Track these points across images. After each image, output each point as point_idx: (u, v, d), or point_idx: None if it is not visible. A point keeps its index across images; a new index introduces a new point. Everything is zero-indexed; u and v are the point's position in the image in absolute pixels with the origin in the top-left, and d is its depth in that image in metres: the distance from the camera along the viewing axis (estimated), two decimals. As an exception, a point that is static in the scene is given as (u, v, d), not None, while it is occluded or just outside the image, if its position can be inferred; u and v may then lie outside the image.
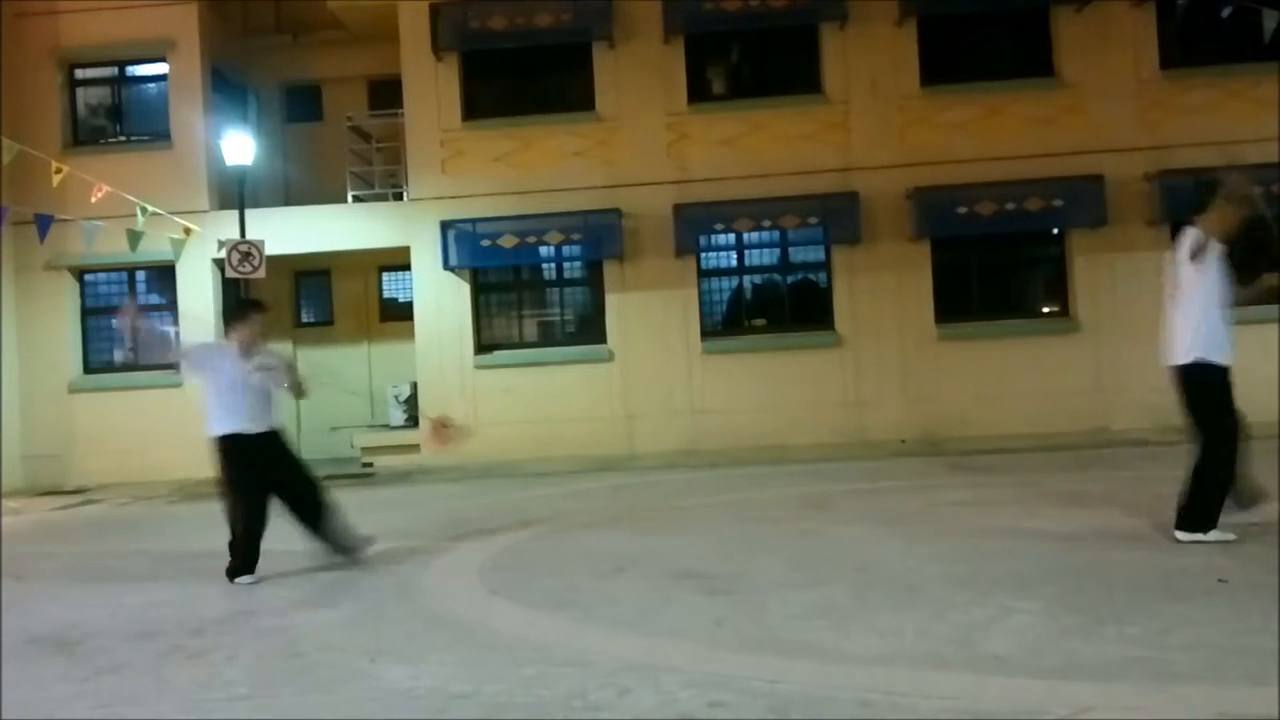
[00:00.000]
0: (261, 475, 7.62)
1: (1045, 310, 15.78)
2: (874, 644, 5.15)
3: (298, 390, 8.01)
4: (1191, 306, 6.86)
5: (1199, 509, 6.96)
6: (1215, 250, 6.93)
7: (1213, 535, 6.94)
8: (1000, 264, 15.91)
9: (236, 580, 7.49)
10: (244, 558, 7.55)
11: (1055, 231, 15.52)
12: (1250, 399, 7.20)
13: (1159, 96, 15.22)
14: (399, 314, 17.35)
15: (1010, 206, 14.94)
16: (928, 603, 5.89)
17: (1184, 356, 6.90)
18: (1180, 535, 7.01)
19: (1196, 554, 6.72)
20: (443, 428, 9.01)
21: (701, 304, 15.94)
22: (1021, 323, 15.53)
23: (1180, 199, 14.69)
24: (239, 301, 8.49)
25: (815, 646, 5.14)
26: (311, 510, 7.80)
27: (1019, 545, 7.39)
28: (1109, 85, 15.20)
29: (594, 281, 16.21)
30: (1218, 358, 6.87)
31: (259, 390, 7.67)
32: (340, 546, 7.88)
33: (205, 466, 15.62)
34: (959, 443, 14.28)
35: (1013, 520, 8.43)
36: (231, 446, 7.56)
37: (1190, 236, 6.93)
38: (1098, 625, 5.26)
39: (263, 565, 7.58)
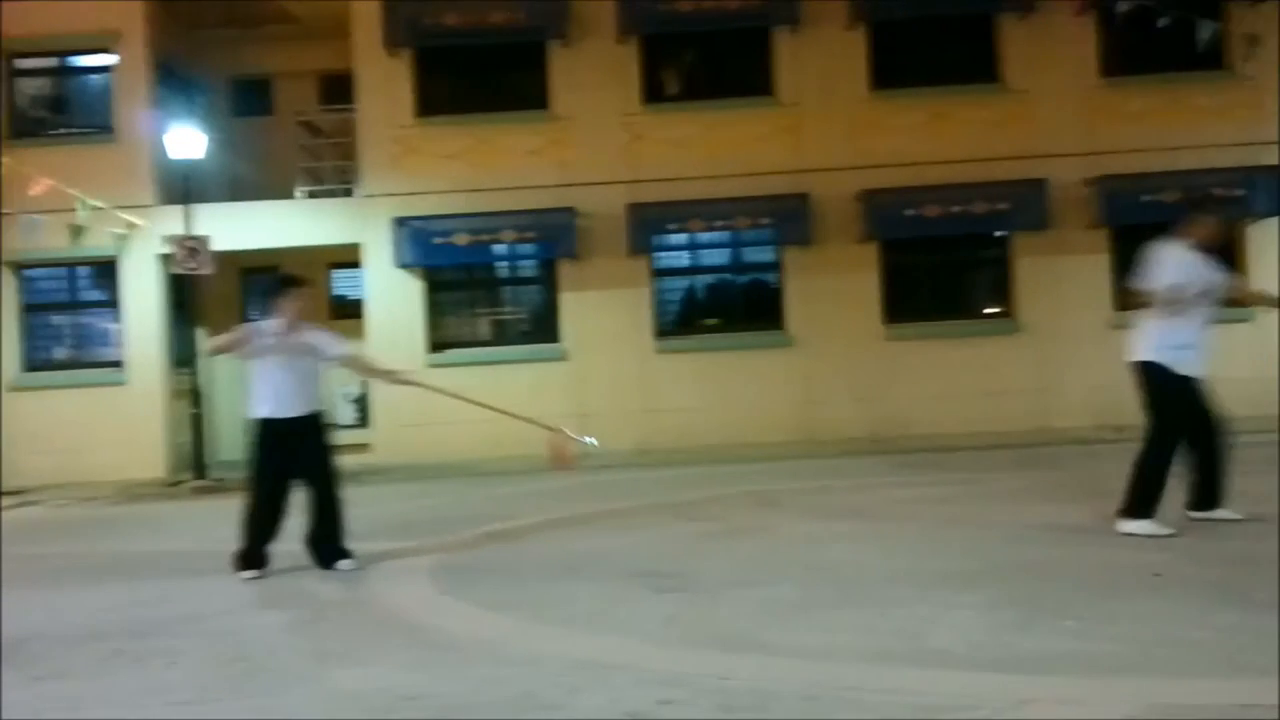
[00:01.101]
0: (288, 462, 7.43)
1: (989, 311, 16.00)
2: (821, 640, 5.22)
3: (390, 378, 7.92)
4: (1152, 309, 7.21)
5: (1134, 497, 7.23)
6: (1193, 259, 7.19)
7: (1147, 528, 7.12)
8: (947, 266, 16.12)
9: (240, 575, 7.33)
10: (249, 550, 7.40)
11: (1000, 234, 15.74)
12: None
13: (1100, 103, 15.48)
14: (350, 312, 17.23)
15: (956, 209, 15.15)
16: (874, 599, 5.98)
17: (1139, 354, 7.28)
18: (1119, 525, 7.23)
19: (1134, 549, 6.87)
20: (566, 445, 8.72)
21: (655, 304, 16.00)
22: (967, 323, 15.76)
23: (1120, 204, 15.00)
24: (279, 277, 8.20)
25: (764, 643, 5.20)
26: (317, 508, 7.58)
27: (963, 541, 7.52)
28: (1052, 92, 15.45)
29: (548, 280, 16.22)
30: (1168, 360, 7.14)
31: (302, 371, 7.47)
32: (320, 552, 7.63)
33: (150, 467, 15.57)
34: (906, 441, 14.44)
35: (957, 517, 8.56)
36: (263, 430, 7.39)
37: (1169, 247, 7.23)
38: (1037, 619, 5.36)
39: (211, 565, 7.51)
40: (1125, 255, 15.39)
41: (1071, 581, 6.13)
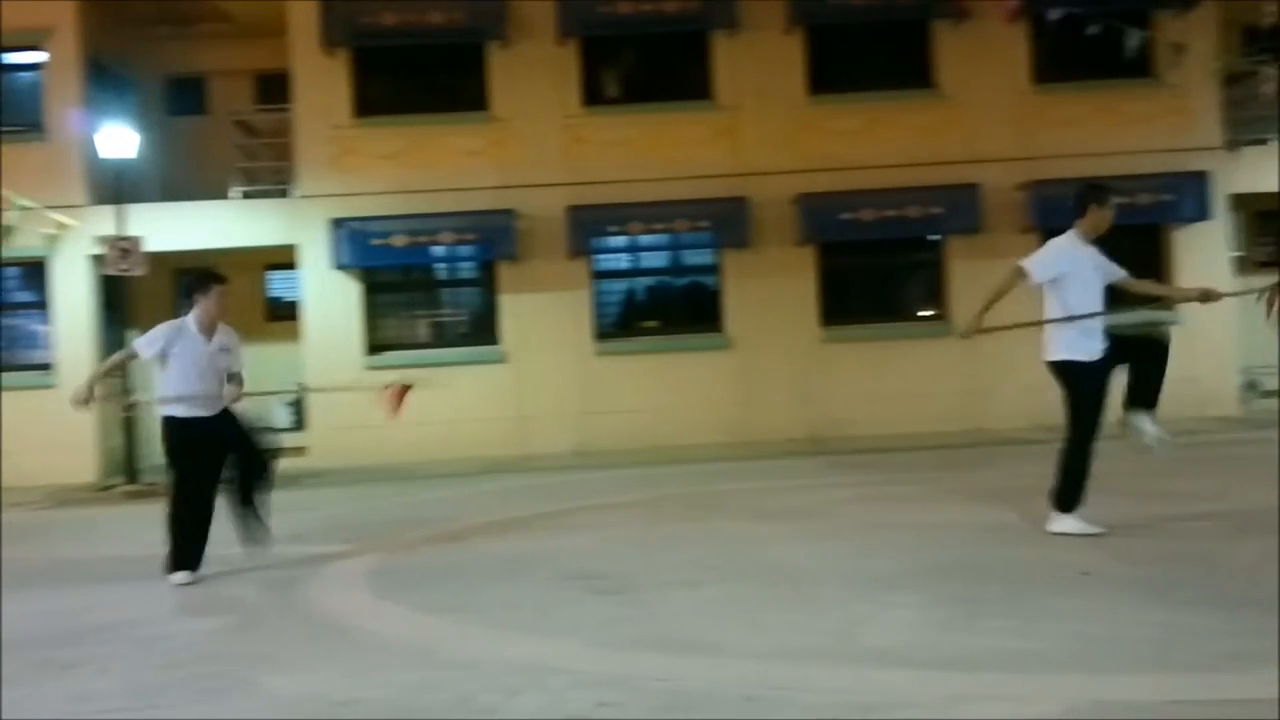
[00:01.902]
0: (214, 462, 7.27)
1: (924, 314, 16.20)
2: (760, 640, 5.25)
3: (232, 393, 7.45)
4: (1057, 307, 7.40)
5: (1060, 492, 7.40)
6: (1083, 250, 7.38)
7: (1078, 527, 7.25)
8: (882, 269, 16.31)
9: (172, 578, 7.16)
10: (182, 551, 7.22)
11: (934, 238, 15.94)
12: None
13: (1032, 109, 15.74)
14: (286, 314, 17.04)
15: (892, 213, 15.32)
16: (811, 598, 6.04)
17: (1053, 354, 7.45)
18: (1049, 525, 7.37)
19: (1065, 547, 7.00)
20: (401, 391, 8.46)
21: (594, 306, 15.99)
22: (902, 326, 15.95)
23: (1051, 208, 15.24)
24: (198, 273, 7.87)
25: (703, 644, 5.23)
26: (249, 480, 7.43)
27: (899, 541, 7.61)
28: (985, 97, 15.67)
29: (487, 282, 16.16)
30: (1081, 355, 7.33)
31: (217, 372, 7.31)
32: (248, 529, 7.51)
33: (80, 471, 15.29)
34: (843, 442, 14.57)
35: (894, 517, 8.66)
36: (184, 433, 7.18)
37: (1061, 239, 7.48)
38: (971, 617, 5.44)
39: (144, 571, 7.39)
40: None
41: (1004, 580, 6.23)
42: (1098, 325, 7.41)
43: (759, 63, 15.70)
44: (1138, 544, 7.08)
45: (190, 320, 7.34)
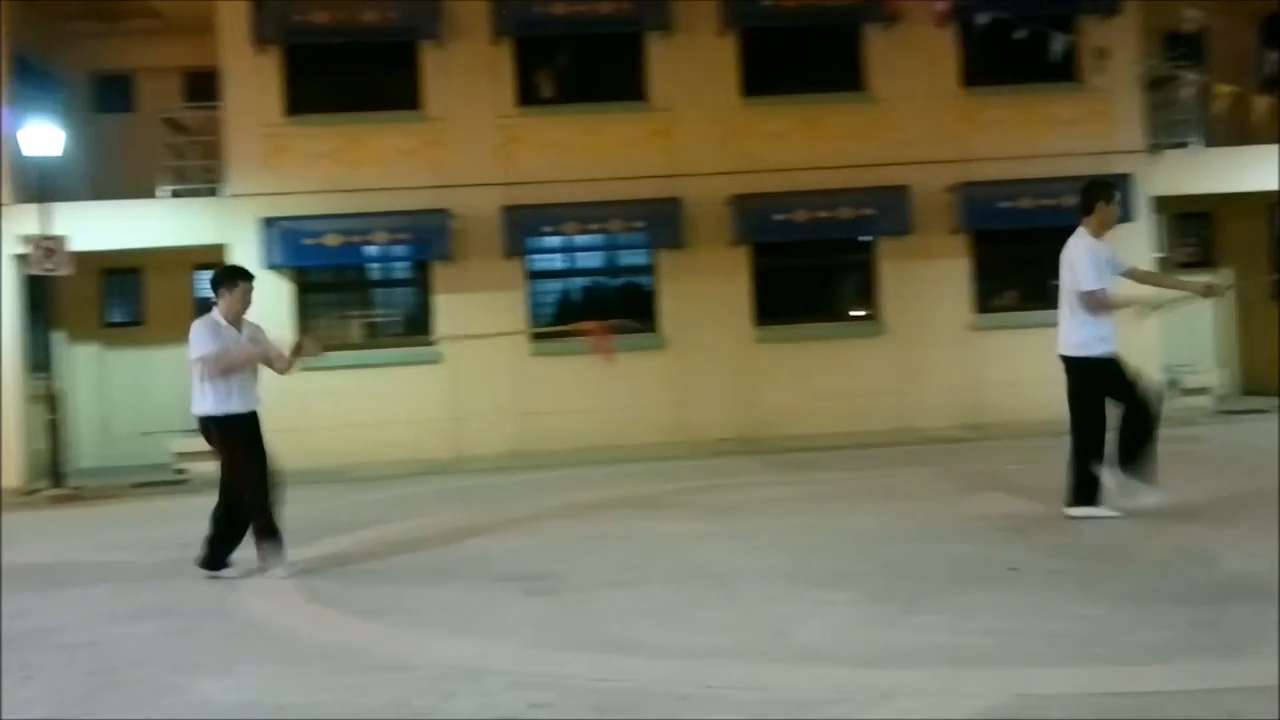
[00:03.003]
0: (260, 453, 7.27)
1: (855, 314, 16.39)
2: (693, 639, 5.30)
3: (287, 364, 7.58)
4: (1072, 301, 7.57)
5: (1078, 488, 7.56)
6: (1104, 250, 7.60)
7: (1096, 512, 7.48)
8: (815, 269, 16.47)
9: (224, 573, 7.17)
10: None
11: (865, 239, 16.12)
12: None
13: (961, 112, 15.98)
14: (216, 314, 16.79)
15: (824, 214, 15.47)
16: (744, 597, 6.10)
17: (1071, 350, 7.63)
18: (1067, 512, 7.56)
19: (992, 544, 7.14)
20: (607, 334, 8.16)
21: (529, 306, 15.97)
22: (834, 326, 16.12)
23: (979, 209, 15.53)
24: (225, 269, 7.90)
25: (637, 643, 5.27)
26: (238, 509, 7.38)
27: (832, 539, 7.71)
28: (915, 100, 15.88)
29: (421, 282, 16.06)
30: (1094, 351, 7.53)
31: (252, 365, 7.35)
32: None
33: (4, 475, 14.94)
34: (777, 441, 14.69)
35: (826, 515, 8.77)
36: (233, 427, 7.19)
37: (1081, 242, 7.62)
38: (902, 614, 5.54)
39: (72, 576, 7.27)
40: (984, 260, 16.02)
41: (934, 576, 6.35)
42: (1111, 322, 7.59)
43: (693, 65, 15.77)
44: (1063, 539, 7.24)
45: (217, 314, 7.38)
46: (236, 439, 7.23)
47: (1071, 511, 7.56)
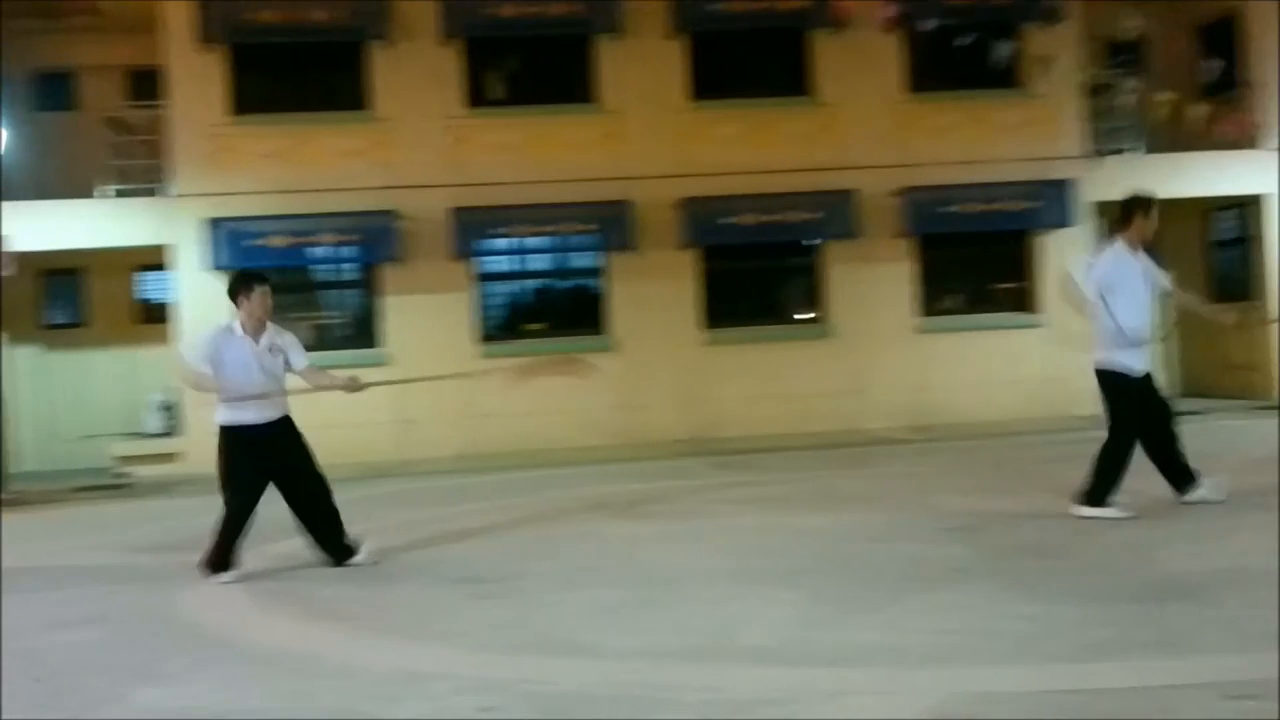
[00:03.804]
0: (264, 468, 7.18)
1: (802, 317, 16.51)
2: (641, 640, 5.33)
3: (353, 386, 7.56)
4: (1107, 316, 7.65)
5: (1093, 490, 7.65)
6: (1136, 260, 7.71)
7: (1109, 513, 7.57)
8: (762, 272, 16.55)
9: (220, 578, 7.10)
10: (223, 553, 7.17)
11: (812, 242, 16.25)
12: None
13: (906, 117, 16.12)
14: (158, 316, 16.59)
15: (772, 218, 15.56)
16: (692, 598, 6.13)
17: (1098, 361, 7.74)
18: (1077, 510, 7.65)
19: (938, 544, 7.23)
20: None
21: (478, 308, 15.91)
22: (782, 328, 16.21)
23: (924, 214, 15.70)
24: (239, 274, 7.71)
25: (585, 646, 5.28)
26: (312, 507, 7.39)
27: (779, 540, 7.77)
28: (861, 105, 16.00)
29: (369, 284, 15.95)
30: (1124, 366, 7.63)
31: (270, 374, 7.17)
32: (333, 551, 7.42)
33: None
34: (726, 443, 14.75)
35: (773, 516, 8.83)
36: (237, 438, 7.09)
37: (1112, 250, 7.76)
38: (847, 614, 5.61)
39: (10, 583, 7.14)
40: (929, 263, 16.21)
41: (879, 577, 6.42)
42: (1146, 339, 7.71)
43: (642, 68, 15.79)
44: (1005, 540, 7.35)
45: (236, 323, 7.21)
46: (231, 449, 7.19)
47: (1084, 511, 7.64)
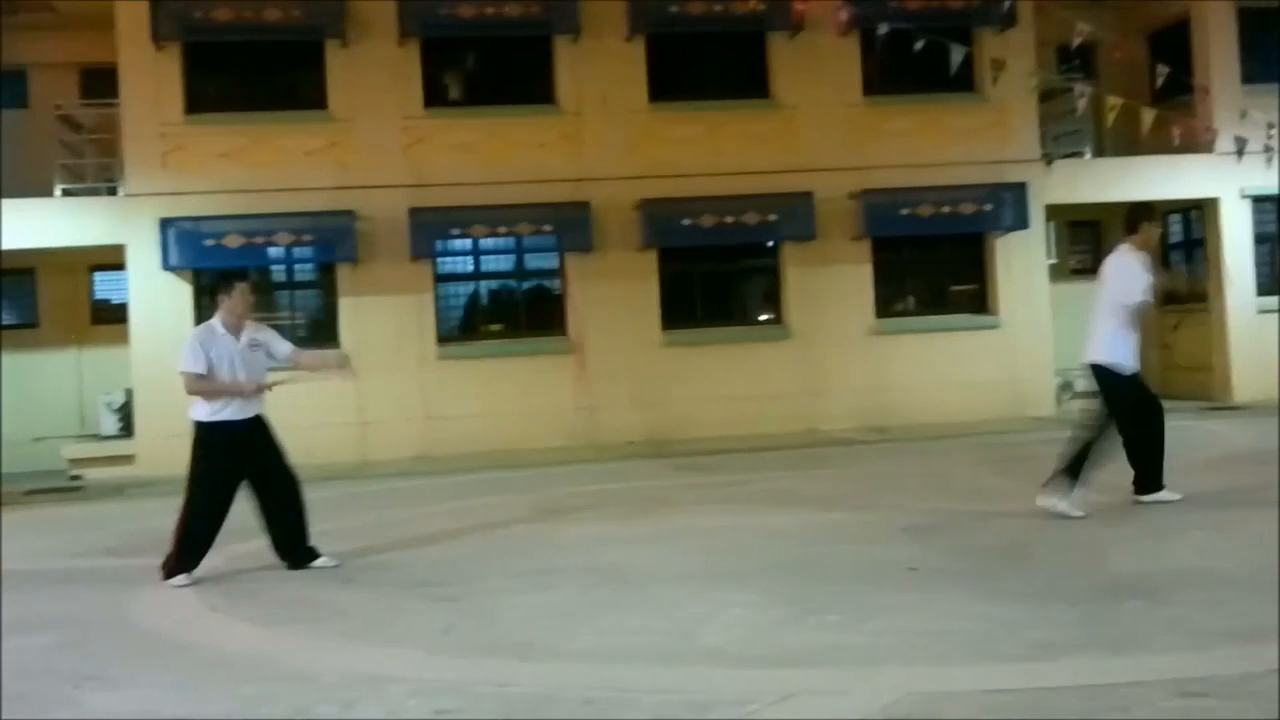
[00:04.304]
0: (240, 467, 7.22)
1: (761, 318, 16.58)
2: (599, 642, 5.34)
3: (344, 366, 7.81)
4: (1109, 315, 7.89)
5: (1145, 475, 7.91)
6: (1148, 267, 7.93)
7: (1167, 496, 7.84)
8: (722, 274, 16.62)
9: (172, 581, 7.03)
10: (187, 554, 7.13)
11: (770, 244, 16.33)
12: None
13: (862, 121, 16.24)
14: (112, 316, 16.40)
15: (730, 220, 15.63)
16: (651, 599, 6.15)
17: (1102, 357, 7.93)
18: (1142, 499, 7.90)
19: (893, 544, 7.30)
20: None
21: (437, 309, 15.86)
22: (740, 330, 16.28)
23: (880, 217, 15.83)
24: (220, 274, 7.95)
25: (542, 648, 5.28)
26: (283, 508, 7.40)
27: (736, 541, 7.80)
28: (818, 108, 16.10)
29: (326, 285, 15.85)
30: (1119, 360, 7.84)
31: (252, 370, 7.25)
32: (295, 553, 7.40)
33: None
34: (684, 444, 14.79)
35: (731, 517, 8.87)
36: (215, 434, 7.13)
37: (1128, 257, 7.93)
38: (804, 615, 5.64)
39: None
40: (886, 265, 16.34)
41: (836, 577, 6.47)
42: (1137, 336, 7.96)
43: (601, 69, 15.80)
44: (960, 540, 7.43)
45: (217, 321, 7.33)
46: (209, 446, 7.21)
47: (1144, 498, 7.92)
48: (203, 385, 7.20)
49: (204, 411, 7.21)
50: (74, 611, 6.64)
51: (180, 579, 7.12)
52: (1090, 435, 7.86)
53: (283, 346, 7.57)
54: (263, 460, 7.38)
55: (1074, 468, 7.79)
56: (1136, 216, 8.21)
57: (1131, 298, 7.79)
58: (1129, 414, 7.87)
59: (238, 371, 7.24)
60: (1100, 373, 7.96)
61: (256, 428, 7.37)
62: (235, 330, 7.31)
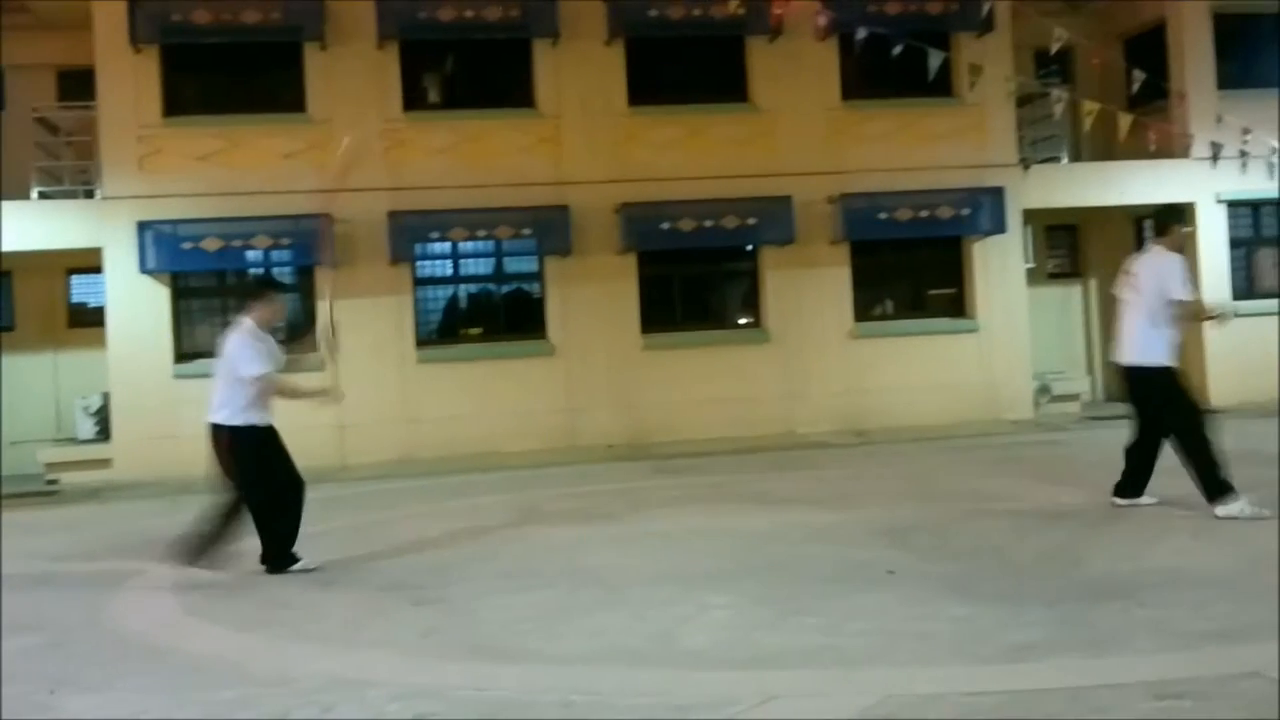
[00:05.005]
0: (270, 460, 7.38)
1: (741, 321, 16.61)
2: (579, 645, 5.34)
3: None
4: (1143, 314, 7.76)
5: (1210, 484, 7.57)
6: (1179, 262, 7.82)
7: (1239, 507, 7.46)
8: (700, 277, 16.64)
9: (293, 569, 7.26)
10: (285, 551, 7.29)
11: (749, 248, 16.36)
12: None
13: (841, 125, 16.29)
14: (90, 320, 16.29)
15: (709, 223, 15.65)
16: (630, 602, 6.15)
17: (1150, 359, 7.74)
18: (1215, 511, 7.52)
19: (872, 547, 7.32)
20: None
21: (416, 312, 15.82)
22: (719, 333, 16.29)
23: (858, 220, 15.88)
24: (256, 281, 8.07)
25: (522, 651, 5.28)
26: (283, 511, 7.42)
27: (716, 543, 7.81)
28: (797, 112, 16.14)
29: (305, 288, 15.77)
30: (1155, 360, 7.70)
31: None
32: (280, 556, 7.39)
33: None
34: (664, 447, 14.81)
35: (711, 519, 8.88)
36: (253, 438, 7.27)
37: (1168, 257, 7.82)
38: (784, 617, 5.65)
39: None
40: (864, 269, 16.39)
41: (816, 579, 6.48)
42: (1176, 333, 7.83)
43: (581, 72, 15.80)
44: (939, 542, 7.46)
45: (250, 323, 7.51)
46: (251, 450, 7.31)
47: (1220, 511, 7.51)
48: (283, 384, 7.42)
49: (242, 417, 7.31)
50: (51, 615, 6.59)
51: (305, 562, 7.35)
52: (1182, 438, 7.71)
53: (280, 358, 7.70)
54: (276, 464, 7.46)
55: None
56: (1166, 219, 8.09)
57: (1177, 294, 7.70)
58: (1184, 414, 7.68)
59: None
60: (1134, 375, 7.85)
61: (273, 433, 7.49)
62: (266, 335, 7.53)
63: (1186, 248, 8.21)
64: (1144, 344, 7.75)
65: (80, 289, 16.98)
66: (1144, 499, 7.98)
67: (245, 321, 7.51)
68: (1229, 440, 7.73)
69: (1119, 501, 8.03)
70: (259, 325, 7.49)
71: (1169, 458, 7.79)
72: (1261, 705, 4.05)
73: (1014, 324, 16.29)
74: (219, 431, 7.36)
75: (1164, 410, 7.76)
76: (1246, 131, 14.84)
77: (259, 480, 7.36)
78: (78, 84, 16.17)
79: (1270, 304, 16.55)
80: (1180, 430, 7.67)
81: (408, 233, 15.35)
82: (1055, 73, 16.85)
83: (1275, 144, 15.06)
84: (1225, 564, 6.33)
